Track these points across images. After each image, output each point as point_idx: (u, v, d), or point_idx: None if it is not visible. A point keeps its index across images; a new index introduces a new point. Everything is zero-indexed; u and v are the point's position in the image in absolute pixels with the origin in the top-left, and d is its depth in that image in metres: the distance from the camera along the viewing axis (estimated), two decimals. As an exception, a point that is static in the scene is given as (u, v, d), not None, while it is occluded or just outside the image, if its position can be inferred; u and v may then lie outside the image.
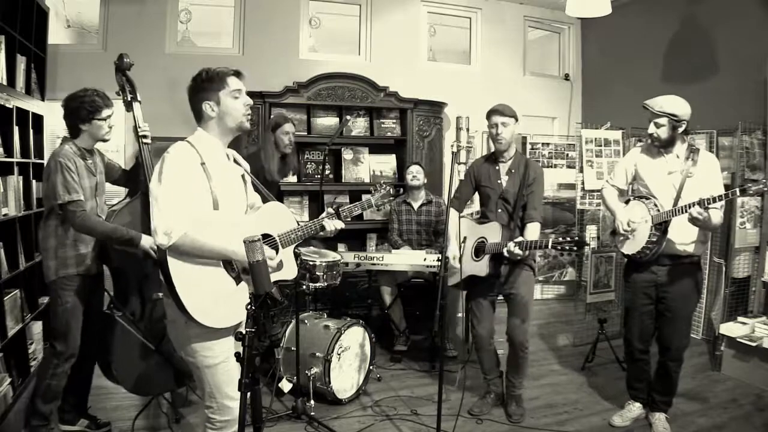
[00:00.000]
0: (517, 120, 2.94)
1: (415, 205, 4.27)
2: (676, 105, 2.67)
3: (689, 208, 2.48)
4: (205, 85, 1.87)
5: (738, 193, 2.38)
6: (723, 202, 2.46)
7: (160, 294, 2.58)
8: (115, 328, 2.58)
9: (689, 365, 3.58)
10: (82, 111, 2.50)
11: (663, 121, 2.67)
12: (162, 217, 1.73)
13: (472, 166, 3.16)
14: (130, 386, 2.66)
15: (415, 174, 4.25)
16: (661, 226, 2.67)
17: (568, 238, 2.51)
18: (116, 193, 3.41)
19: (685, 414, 3.08)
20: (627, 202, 2.91)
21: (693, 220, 2.49)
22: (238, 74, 1.93)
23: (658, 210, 2.68)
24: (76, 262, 2.55)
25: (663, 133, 2.69)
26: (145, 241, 2.51)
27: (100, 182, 2.67)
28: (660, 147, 2.76)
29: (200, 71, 1.90)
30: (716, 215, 2.55)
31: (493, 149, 3.05)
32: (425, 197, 4.29)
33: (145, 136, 2.72)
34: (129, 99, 2.72)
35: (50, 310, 2.64)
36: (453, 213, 3.02)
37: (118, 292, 2.69)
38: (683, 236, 2.71)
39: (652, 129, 2.71)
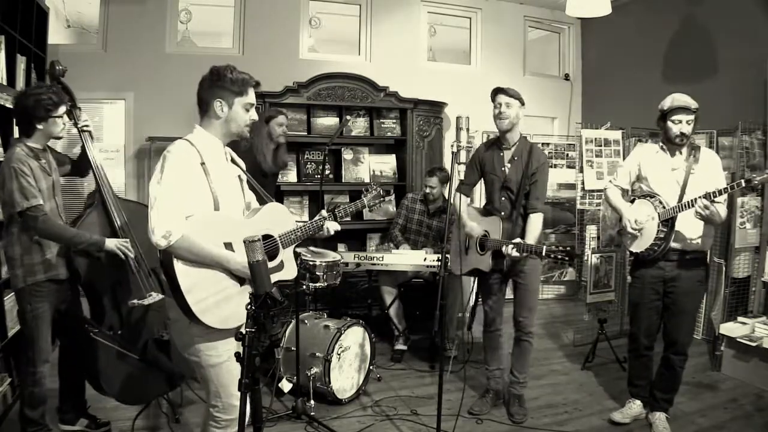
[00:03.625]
0: (522, 104, 2.92)
1: (431, 208, 4.22)
2: (691, 98, 2.71)
3: (695, 202, 2.50)
4: (225, 84, 1.85)
5: (743, 184, 2.41)
6: (726, 196, 2.49)
7: (135, 301, 2.58)
8: (95, 346, 2.54)
9: (689, 365, 3.56)
10: (39, 109, 2.38)
11: (693, 116, 2.69)
12: (160, 218, 1.71)
13: (476, 152, 3.13)
14: (122, 398, 2.66)
15: (433, 192, 4.10)
16: (668, 223, 2.68)
17: (561, 248, 2.53)
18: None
19: (685, 414, 3.08)
20: (632, 201, 2.92)
21: (701, 215, 2.52)
22: (257, 86, 1.94)
23: (664, 207, 2.70)
24: (44, 267, 2.45)
25: (691, 129, 2.71)
26: (110, 243, 2.47)
27: (56, 181, 2.57)
28: (682, 145, 2.75)
29: (225, 67, 1.87)
30: (722, 209, 2.59)
31: (498, 136, 3.05)
32: (444, 204, 4.18)
33: (84, 129, 2.67)
34: (68, 108, 2.58)
35: (19, 317, 2.56)
36: (459, 198, 3.01)
37: (93, 306, 2.65)
38: (690, 231, 2.72)
39: (684, 128, 2.69)
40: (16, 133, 2.76)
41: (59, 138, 2.56)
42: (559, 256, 2.51)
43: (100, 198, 2.65)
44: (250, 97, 1.90)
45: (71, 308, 2.65)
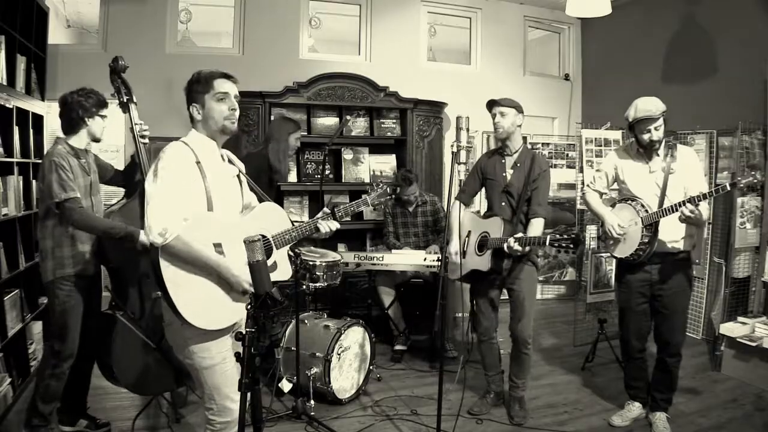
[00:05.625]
0: (519, 111, 2.91)
1: (410, 207, 4.24)
2: (660, 102, 2.68)
3: (680, 207, 2.49)
4: (193, 87, 1.88)
5: (728, 188, 2.39)
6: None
7: (159, 293, 2.59)
8: (116, 328, 2.58)
9: (689, 365, 3.58)
10: (89, 105, 2.54)
11: (661, 121, 2.67)
12: (156, 215, 1.71)
13: (479, 159, 3.17)
14: (130, 385, 2.66)
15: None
16: (651, 227, 2.67)
17: (565, 236, 2.51)
18: (114, 194, 3.41)
19: (685, 414, 3.08)
20: (613, 205, 2.91)
21: (685, 219, 2.51)
22: (227, 76, 1.90)
23: (646, 211, 2.68)
24: (74, 261, 2.54)
25: (661, 133, 2.69)
26: (144, 236, 2.49)
27: (94, 181, 2.67)
28: (658, 149, 2.74)
29: (194, 73, 1.90)
30: (705, 210, 2.57)
31: (500, 144, 3.05)
32: (420, 198, 4.26)
33: (143, 136, 2.72)
34: (125, 100, 2.72)
35: (48, 310, 2.65)
36: (458, 207, 3.02)
37: (118, 292, 2.69)
38: (672, 234, 2.71)
39: (654, 135, 2.67)
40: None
41: (98, 140, 2.67)
42: (563, 244, 2.49)
43: (142, 188, 2.66)
44: (219, 87, 1.86)
45: (92, 302, 2.68)
